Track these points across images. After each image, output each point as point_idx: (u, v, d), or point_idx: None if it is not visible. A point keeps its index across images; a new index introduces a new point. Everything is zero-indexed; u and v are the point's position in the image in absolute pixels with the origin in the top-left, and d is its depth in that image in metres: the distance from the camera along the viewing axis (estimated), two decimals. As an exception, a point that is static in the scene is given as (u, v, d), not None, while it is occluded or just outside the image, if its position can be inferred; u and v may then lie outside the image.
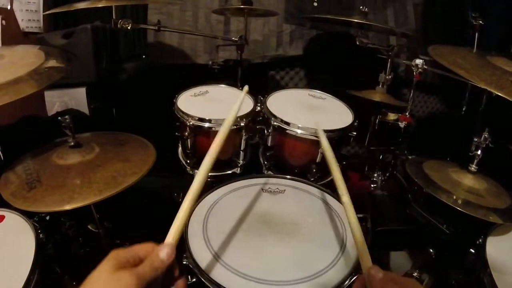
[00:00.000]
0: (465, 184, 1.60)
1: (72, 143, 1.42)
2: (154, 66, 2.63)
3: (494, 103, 2.19)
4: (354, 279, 1.04)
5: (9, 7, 2.14)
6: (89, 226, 1.62)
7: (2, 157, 1.54)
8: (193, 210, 0.86)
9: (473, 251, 1.40)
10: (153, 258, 0.71)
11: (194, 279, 1.07)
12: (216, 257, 1.10)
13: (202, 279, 1.03)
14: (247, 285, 1.01)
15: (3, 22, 2.08)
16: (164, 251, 0.73)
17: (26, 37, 2.26)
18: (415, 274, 1.69)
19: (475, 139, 1.58)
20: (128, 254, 0.71)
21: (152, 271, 0.69)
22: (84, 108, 2.23)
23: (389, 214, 1.99)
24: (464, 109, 2.54)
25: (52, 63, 1.43)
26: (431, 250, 1.70)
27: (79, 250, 1.63)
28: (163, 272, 0.72)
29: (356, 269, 1.08)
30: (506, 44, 2.59)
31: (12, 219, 1.27)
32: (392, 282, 0.76)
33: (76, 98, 2.22)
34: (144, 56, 2.67)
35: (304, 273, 1.06)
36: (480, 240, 1.35)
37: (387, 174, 2.23)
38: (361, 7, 2.11)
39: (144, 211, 1.90)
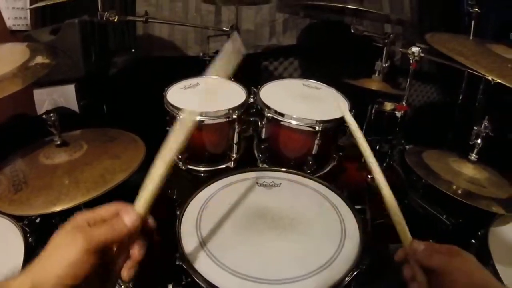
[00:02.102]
0: (465, 174, 1.58)
1: (59, 142, 1.38)
2: (144, 59, 2.58)
3: (492, 91, 2.16)
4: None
5: (-6, 6, 2.09)
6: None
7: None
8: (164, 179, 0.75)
9: (474, 242, 1.37)
10: (113, 221, 0.66)
11: (189, 279, 1.04)
12: (210, 255, 1.07)
13: (196, 280, 1.00)
14: (243, 285, 0.98)
15: (-11, 21, 2.04)
16: (130, 217, 0.67)
17: (13, 35, 2.21)
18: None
19: (475, 128, 1.56)
20: (89, 216, 0.66)
21: (108, 234, 0.64)
22: (73, 105, 2.19)
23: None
24: (461, 97, 2.51)
25: (38, 59, 1.39)
26: (431, 242, 1.67)
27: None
28: (123, 240, 0.67)
29: (357, 263, 1.06)
30: (503, 32, 2.56)
31: (0, 223, 1.23)
32: (436, 252, 0.78)
33: (66, 95, 2.18)
34: (133, 50, 2.62)
35: (304, 270, 1.03)
36: (482, 231, 1.32)
37: (384, 164, 2.20)
38: (356, -7, 2.07)
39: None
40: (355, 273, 1.03)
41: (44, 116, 1.33)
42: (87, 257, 0.60)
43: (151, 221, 0.75)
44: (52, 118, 1.32)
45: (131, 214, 0.67)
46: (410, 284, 0.80)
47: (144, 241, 0.72)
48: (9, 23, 2.17)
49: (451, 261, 0.76)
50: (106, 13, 1.81)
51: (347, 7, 2.05)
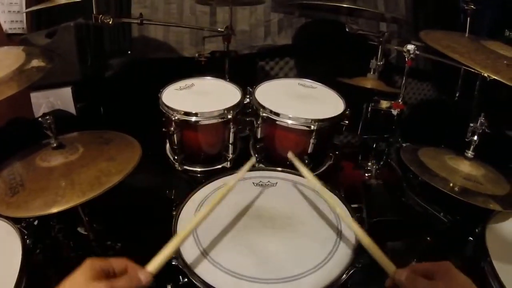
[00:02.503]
0: (462, 171, 1.57)
1: (55, 144, 1.38)
2: (140, 61, 2.58)
3: (488, 88, 2.16)
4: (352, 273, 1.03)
5: (-9, 10, 2.10)
6: (78, 229, 1.58)
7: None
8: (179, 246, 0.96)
9: (472, 239, 1.37)
10: (132, 276, 0.78)
11: (186, 280, 1.05)
12: (206, 256, 1.07)
13: (192, 280, 1.00)
14: (239, 284, 0.99)
15: (-14, 24, 2.04)
16: (145, 275, 0.80)
17: (10, 39, 2.21)
18: (413, 263, 1.66)
19: (471, 125, 1.55)
20: (103, 264, 0.75)
21: (126, 286, 0.75)
22: (70, 107, 2.19)
23: (384, 204, 1.97)
24: (457, 95, 2.51)
25: (34, 63, 1.39)
26: (429, 239, 1.68)
27: (70, 253, 1.60)
28: None
29: (353, 262, 1.06)
30: (498, 29, 2.56)
31: (-2, 225, 1.23)
32: (419, 278, 0.81)
33: (62, 98, 2.18)
34: (129, 52, 2.62)
35: (300, 269, 1.03)
36: (480, 228, 1.33)
37: (381, 163, 2.20)
38: (351, -8, 2.07)
39: (134, 211, 1.87)
40: (351, 271, 1.03)
41: (40, 119, 1.32)
42: None
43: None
44: (48, 121, 1.32)
45: (147, 274, 0.81)
46: None
47: None
48: (5, 26, 2.17)
49: (434, 285, 0.79)
50: (101, 15, 1.81)
51: (342, 6, 2.04)
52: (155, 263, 0.85)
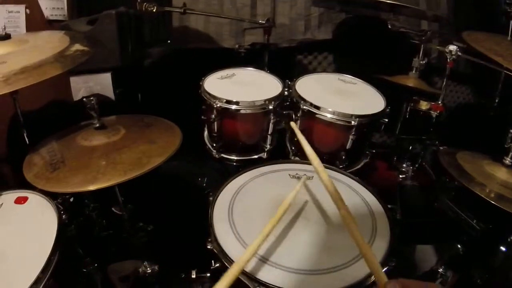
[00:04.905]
0: (499, 177, 1.52)
1: (97, 125, 1.41)
2: (179, 51, 2.60)
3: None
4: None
5: (33, -4, 2.14)
6: (112, 209, 1.61)
7: (27, 141, 1.53)
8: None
9: (503, 249, 1.33)
10: None
11: (218, 264, 1.05)
12: (242, 242, 1.08)
13: (226, 264, 1.01)
14: (272, 272, 0.99)
15: (27, 11, 2.07)
16: None
17: (51, 25, 2.25)
18: (440, 270, 1.62)
19: (511, 131, 1.50)
20: None
21: None
22: (109, 93, 2.23)
23: (417, 206, 1.94)
24: (497, 100, 2.44)
25: (77, 46, 1.42)
26: (459, 246, 1.64)
27: (102, 232, 1.64)
28: None
29: (386, 261, 1.05)
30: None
31: (36, 200, 1.26)
32: None
33: (102, 83, 2.22)
34: (169, 41, 2.64)
35: (331, 263, 1.03)
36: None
37: (416, 165, 2.16)
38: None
39: (167, 195, 1.89)
40: (383, 270, 1.01)
41: (84, 99, 1.36)
42: None
43: None
44: (92, 102, 1.36)
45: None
46: None
47: None
48: (47, 13, 2.21)
49: None
50: (145, 3, 1.83)
51: (383, 2, 2.01)
52: None
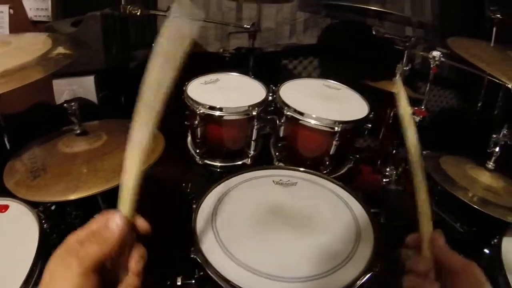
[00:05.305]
0: (482, 181, 1.55)
1: (79, 131, 1.40)
2: (164, 54, 2.58)
3: (512, 99, 2.13)
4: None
5: (17, -4, 2.11)
6: (95, 217, 1.59)
7: (8, 146, 1.51)
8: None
9: (487, 251, 1.35)
10: (102, 233, 0.58)
11: (202, 273, 1.05)
12: (225, 251, 1.07)
13: (210, 274, 1.00)
14: (257, 281, 0.98)
15: (11, 11, 2.05)
16: (115, 222, 0.59)
17: (35, 26, 2.22)
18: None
19: (494, 136, 1.52)
20: (80, 233, 0.58)
21: (100, 248, 0.56)
22: (92, 96, 2.21)
23: (402, 210, 1.95)
24: (480, 104, 2.47)
25: (60, 49, 1.40)
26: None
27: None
28: (116, 250, 0.59)
29: (370, 266, 1.05)
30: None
31: (17, 208, 1.24)
32: (455, 253, 0.74)
33: (85, 86, 2.20)
34: (154, 44, 2.62)
35: (316, 270, 1.02)
36: (496, 240, 1.30)
37: (400, 169, 2.17)
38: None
39: (151, 202, 1.87)
40: (367, 276, 1.02)
41: (65, 104, 1.34)
42: (85, 280, 0.54)
43: (142, 222, 0.67)
44: (73, 107, 1.34)
45: (116, 218, 0.59)
46: (412, 275, 0.76)
47: (141, 249, 0.65)
48: (31, 13, 2.19)
49: (470, 265, 0.73)
50: (129, 6, 1.82)
51: (369, 8, 2.02)
52: (123, 201, 0.63)
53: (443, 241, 0.75)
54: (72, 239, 0.57)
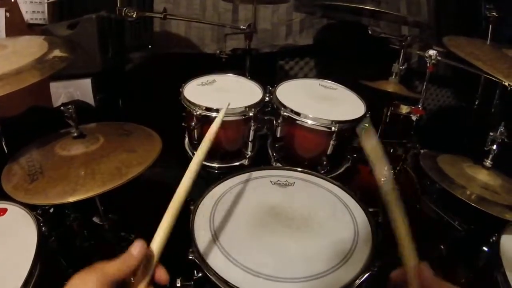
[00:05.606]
0: (480, 179, 1.55)
1: (76, 134, 1.39)
2: (160, 56, 2.59)
3: (509, 97, 2.13)
4: (366, 277, 1.01)
5: (13, -1, 2.11)
6: (93, 219, 1.59)
7: (6, 150, 1.50)
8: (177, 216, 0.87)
9: (486, 249, 1.35)
10: (125, 255, 0.71)
11: (200, 274, 1.05)
12: (223, 252, 1.07)
13: (208, 275, 1.00)
14: (255, 281, 0.98)
15: (7, 14, 2.06)
16: (136, 248, 0.72)
17: (31, 29, 2.23)
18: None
19: (491, 134, 1.52)
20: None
21: (120, 268, 0.69)
22: (89, 99, 2.21)
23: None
24: (476, 102, 2.48)
25: (56, 52, 1.39)
26: (442, 247, 1.66)
27: (84, 243, 1.61)
28: (133, 271, 0.71)
29: (368, 266, 1.05)
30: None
31: (15, 212, 1.24)
32: (443, 283, 0.73)
33: (82, 89, 2.20)
34: (150, 46, 2.63)
35: (315, 270, 1.02)
36: (494, 238, 1.30)
37: (398, 168, 2.18)
38: (374, -5, 2.05)
39: (149, 203, 1.87)
40: (366, 275, 1.02)
41: (62, 107, 1.34)
42: None
43: (163, 273, 0.78)
44: (70, 110, 1.33)
45: (138, 245, 0.72)
46: None
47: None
48: (27, 16, 2.19)
49: None
50: (125, 9, 1.82)
51: (365, 8, 2.03)
52: (156, 239, 0.79)
53: (430, 273, 0.74)
54: (98, 263, 0.69)
